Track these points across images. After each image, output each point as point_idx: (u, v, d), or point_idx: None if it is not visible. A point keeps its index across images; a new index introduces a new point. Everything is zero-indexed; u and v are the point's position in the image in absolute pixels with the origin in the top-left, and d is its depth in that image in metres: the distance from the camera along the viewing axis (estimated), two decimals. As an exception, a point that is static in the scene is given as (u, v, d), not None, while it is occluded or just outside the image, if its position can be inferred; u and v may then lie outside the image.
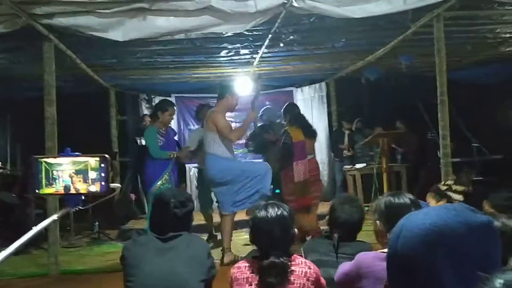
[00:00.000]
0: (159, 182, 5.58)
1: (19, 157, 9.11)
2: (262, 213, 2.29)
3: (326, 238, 2.80)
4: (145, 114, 8.86)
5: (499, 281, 1.10)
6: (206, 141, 5.53)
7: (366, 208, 7.56)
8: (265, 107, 7.67)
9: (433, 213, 1.32)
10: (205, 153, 5.59)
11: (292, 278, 2.20)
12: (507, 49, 7.58)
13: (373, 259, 2.15)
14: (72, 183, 1.51)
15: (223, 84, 6.43)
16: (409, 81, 7.78)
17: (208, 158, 5.48)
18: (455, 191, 3.23)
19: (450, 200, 3.21)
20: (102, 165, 1.50)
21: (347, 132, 8.93)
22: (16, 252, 1.39)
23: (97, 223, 7.13)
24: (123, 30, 4.68)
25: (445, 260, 1.22)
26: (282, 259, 2.19)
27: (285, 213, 2.30)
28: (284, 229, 2.27)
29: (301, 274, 2.22)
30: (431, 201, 3.30)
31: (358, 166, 8.10)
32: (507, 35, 6.79)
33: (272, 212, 2.28)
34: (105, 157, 1.51)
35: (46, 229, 4.86)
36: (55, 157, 1.52)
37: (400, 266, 1.30)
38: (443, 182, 3.46)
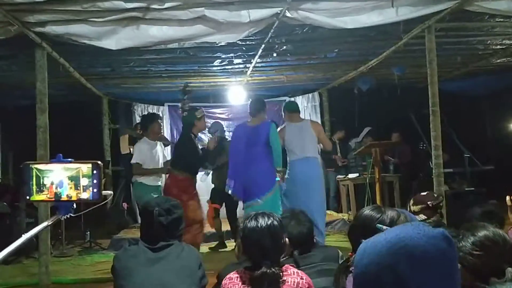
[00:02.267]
0: (274, 188, 5.41)
1: (11, 166, 9.05)
2: (252, 223, 2.26)
3: (287, 259, 2.68)
4: (139, 123, 8.82)
5: None
6: (306, 144, 5.79)
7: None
8: (214, 121, 7.56)
9: (392, 230, 1.37)
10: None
11: (283, 288, 2.18)
12: (498, 61, 7.66)
13: None
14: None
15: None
16: (401, 92, 7.83)
17: (313, 161, 5.86)
18: (414, 212, 3.14)
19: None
20: (95, 171, 1.48)
21: (337, 141, 8.93)
22: (7, 262, 1.39)
23: (88, 232, 7.08)
24: (116, 39, 4.68)
25: (409, 269, 1.25)
26: (273, 269, 2.17)
27: (275, 222, 2.27)
28: (275, 238, 2.24)
29: (293, 284, 2.20)
30: None
31: (351, 176, 8.12)
32: (498, 47, 6.86)
33: (262, 222, 2.25)
34: (98, 163, 1.49)
35: (37, 238, 4.82)
36: (46, 163, 1.50)
37: (367, 285, 1.32)
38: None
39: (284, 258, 2.50)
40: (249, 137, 5.47)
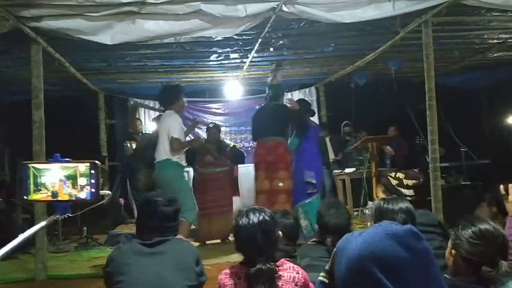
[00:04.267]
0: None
1: (7, 161, 9.01)
2: (244, 220, 2.27)
3: (319, 244, 2.81)
4: (137, 118, 8.79)
5: None
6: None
7: (356, 213, 7.63)
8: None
9: (363, 236, 1.38)
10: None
11: (280, 284, 2.18)
12: (494, 55, 7.65)
13: None
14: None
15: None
16: (397, 86, 7.82)
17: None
18: (406, 186, 3.25)
19: (399, 195, 3.22)
20: (92, 171, 1.48)
21: (327, 138, 8.87)
22: (3, 258, 1.37)
23: (85, 227, 7.07)
24: (112, 34, 4.65)
25: (380, 270, 1.26)
26: (268, 265, 2.18)
27: (266, 217, 2.27)
28: (267, 234, 2.25)
29: (289, 279, 2.21)
30: (380, 194, 3.32)
31: (347, 170, 8.11)
32: (494, 41, 6.86)
33: (254, 218, 2.25)
34: (95, 163, 1.48)
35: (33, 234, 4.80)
36: (43, 163, 1.49)
37: None
38: (393, 174, 3.44)
39: (314, 243, 2.58)
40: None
